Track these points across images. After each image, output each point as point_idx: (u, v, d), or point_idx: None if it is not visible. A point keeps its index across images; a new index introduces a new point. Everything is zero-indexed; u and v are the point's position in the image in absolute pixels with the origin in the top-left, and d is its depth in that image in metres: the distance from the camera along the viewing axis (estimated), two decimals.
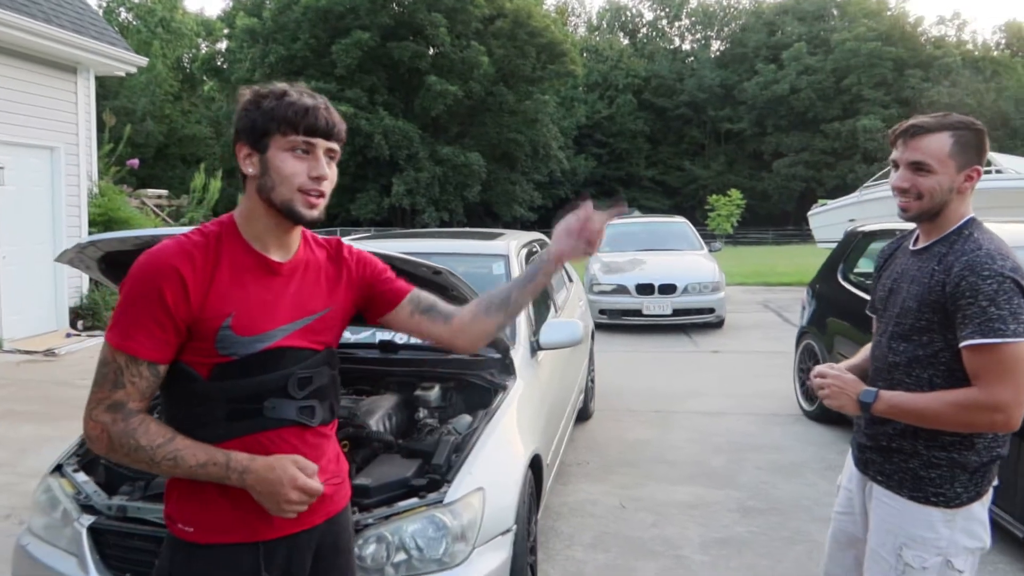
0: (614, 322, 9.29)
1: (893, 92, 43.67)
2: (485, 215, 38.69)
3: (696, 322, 9.30)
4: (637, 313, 9.16)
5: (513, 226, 36.01)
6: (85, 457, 2.57)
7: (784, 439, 4.98)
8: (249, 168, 1.42)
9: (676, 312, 9.11)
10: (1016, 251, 1.82)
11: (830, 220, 13.51)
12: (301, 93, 1.42)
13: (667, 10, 55.55)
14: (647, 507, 3.89)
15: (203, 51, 44.06)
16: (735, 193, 38.05)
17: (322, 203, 1.44)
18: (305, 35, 33.19)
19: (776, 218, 45.36)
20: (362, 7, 32.66)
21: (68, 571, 2.24)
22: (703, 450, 4.80)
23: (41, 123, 8.17)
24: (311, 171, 1.40)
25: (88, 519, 2.27)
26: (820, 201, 15.78)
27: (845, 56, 43.75)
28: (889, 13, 47.57)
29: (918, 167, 1.81)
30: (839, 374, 1.89)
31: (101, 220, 9.02)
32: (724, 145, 50.15)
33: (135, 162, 11.65)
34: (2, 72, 7.61)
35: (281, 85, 1.44)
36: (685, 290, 9.13)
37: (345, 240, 2.12)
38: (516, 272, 3.78)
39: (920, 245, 1.90)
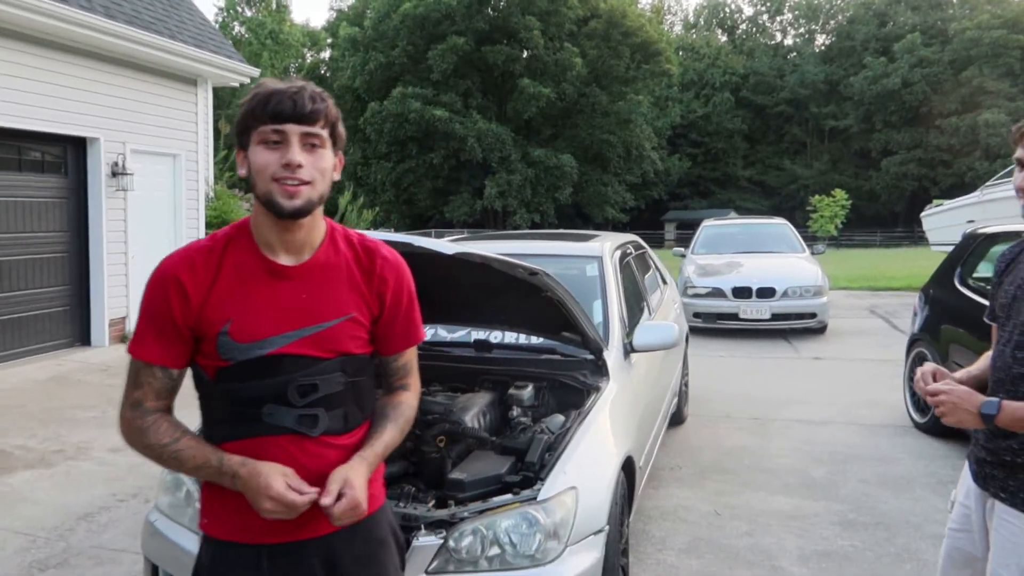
0: (709, 326, 9.09)
1: (1021, 83, 40.49)
2: (576, 216, 38.60)
3: (797, 327, 8.96)
4: (733, 317, 8.92)
5: (604, 227, 35.77)
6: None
7: (892, 451, 4.73)
8: (242, 170, 1.41)
9: (775, 316, 8.81)
10: None
11: (946, 221, 12.68)
12: (278, 82, 1.37)
13: (768, 4, 53.71)
14: (742, 515, 3.79)
15: (308, 60, 46.12)
16: (839, 193, 36.34)
17: (305, 191, 1.36)
18: (403, 42, 34.16)
19: (884, 220, 43.02)
20: (458, 13, 33.29)
21: (189, 547, 2.41)
22: (803, 459, 4.63)
23: (165, 132, 8.81)
24: (282, 158, 1.34)
25: None
26: (935, 201, 14.83)
27: (965, 46, 40.94)
28: None
29: None
30: (953, 388, 1.78)
31: (216, 222, 9.62)
32: (828, 143, 47.98)
33: None
34: (133, 86, 8.26)
35: (263, 79, 1.43)
36: (785, 294, 8.82)
37: (457, 248, 2.15)
38: (610, 273, 3.77)
39: None
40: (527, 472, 2.42)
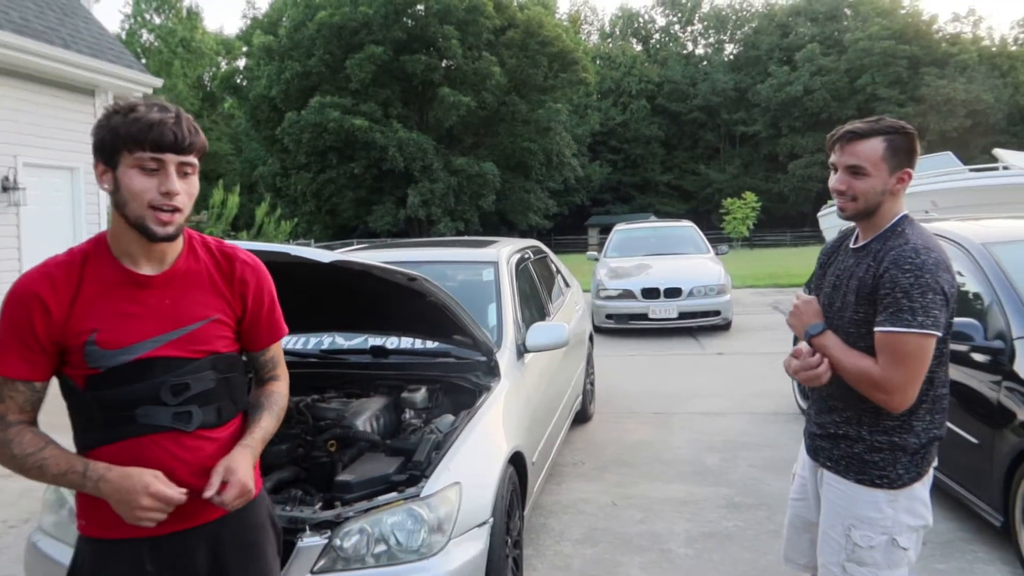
0: (621, 326, 9.39)
1: (908, 90, 43.28)
2: (500, 224, 38.88)
3: (703, 325, 9.36)
4: (643, 317, 9.25)
5: (529, 234, 36.15)
6: None
7: (780, 437, 5.05)
8: (105, 185, 1.45)
9: (682, 315, 9.18)
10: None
11: (836, 220, 13.49)
12: (151, 107, 1.42)
13: (679, 15, 55.56)
14: (638, 504, 3.99)
15: (222, 69, 44.86)
16: (750, 196, 37.95)
17: (178, 218, 1.44)
18: (320, 51, 33.66)
19: (793, 219, 45.06)
20: (375, 22, 33.08)
21: None
22: (699, 449, 4.88)
23: (62, 144, 8.46)
24: (160, 186, 1.41)
25: None
26: (829, 201, 15.78)
27: (859, 55, 43.46)
28: (903, 11, 47.17)
29: (854, 170, 1.92)
30: (810, 301, 2.03)
31: None
32: (739, 148, 49.97)
33: None
34: (25, 97, 7.91)
35: (133, 100, 1.46)
36: (691, 293, 9.20)
37: (335, 256, 2.23)
38: (505, 278, 3.91)
39: (859, 243, 2.01)
40: (414, 471, 2.52)
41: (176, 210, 1.43)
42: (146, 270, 1.50)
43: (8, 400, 1.44)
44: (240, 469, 1.49)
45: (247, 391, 1.68)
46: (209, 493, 1.44)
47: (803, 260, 21.63)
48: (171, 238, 1.46)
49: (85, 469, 1.42)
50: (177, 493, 1.42)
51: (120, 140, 1.41)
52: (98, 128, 1.44)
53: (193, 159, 1.46)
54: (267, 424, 1.63)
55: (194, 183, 1.49)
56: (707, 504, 3.96)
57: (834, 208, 2.08)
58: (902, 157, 1.91)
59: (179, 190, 1.43)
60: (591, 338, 5.92)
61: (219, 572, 1.56)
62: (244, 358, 1.69)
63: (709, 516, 3.81)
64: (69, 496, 2.53)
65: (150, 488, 1.39)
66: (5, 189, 7.64)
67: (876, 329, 1.82)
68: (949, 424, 3.32)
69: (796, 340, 6.10)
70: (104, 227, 9.04)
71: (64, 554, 2.46)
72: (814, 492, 2.13)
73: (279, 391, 1.71)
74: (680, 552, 3.42)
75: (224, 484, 1.46)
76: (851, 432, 1.96)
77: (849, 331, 1.93)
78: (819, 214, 15.07)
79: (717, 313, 9.28)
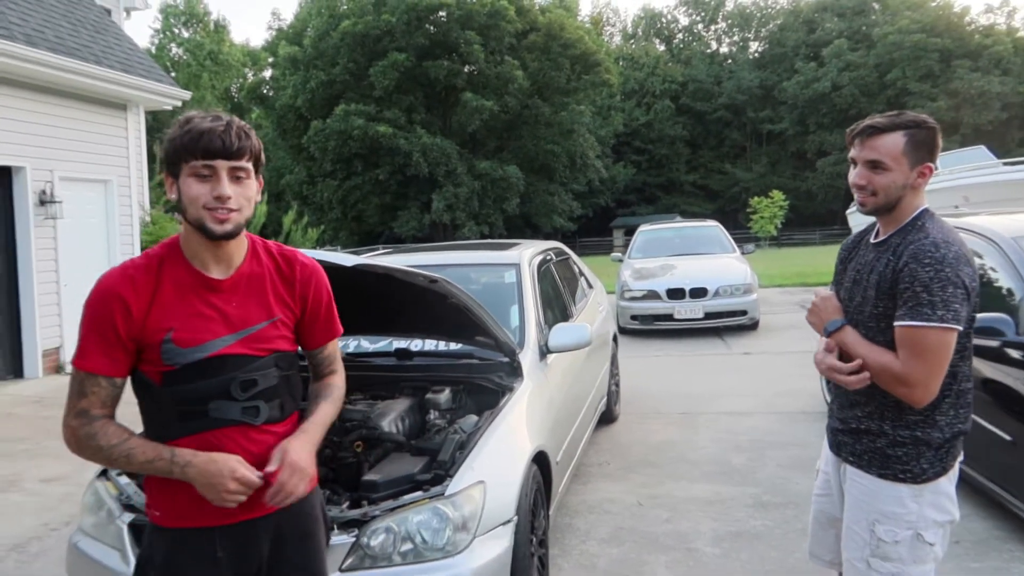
0: (646, 327, 9.36)
1: (940, 84, 42.46)
2: (525, 227, 38.92)
3: (729, 325, 9.29)
4: (669, 318, 9.21)
5: (553, 236, 36.10)
6: None
7: (808, 436, 5.00)
8: (172, 194, 1.56)
9: (708, 315, 9.13)
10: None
11: (865, 218, 13.27)
12: (204, 118, 1.52)
13: (703, 14, 55.21)
14: (664, 504, 3.99)
15: (249, 80, 45.59)
16: (777, 194, 37.50)
17: (234, 216, 1.53)
18: (344, 59, 34.04)
19: (823, 218, 44.46)
20: (397, 29, 33.36)
21: (112, 564, 2.48)
22: (725, 449, 4.86)
23: (95, 158, 8.70)
24: (213, 191, 1.50)
25: (128, 516, 2.51)
26: None
27: (888, 50, 42.76)
28: (933, 4, 46.30)
29: (874, 165, 1.92)
30: (829, 297, 2.05)
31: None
32: (766, 146, 49.46)
33: None
34: (59, 112, 8.15)
35: (189, 113, 1.55)
36: (716, 293, 9.14)
37: (358, 260, 2.30)
38: (527, 279, 3.94)
39: (880, 238, 2.01)
40: (439, 470, 2.56)
41: (231, 211, 1.52)
42: (215, 273, 1.60)
43: (91, 395, 1.54)
44: (293, 450, 1.58)
45: (303, 389, 1.78)
46: (272, 467, 1.55)
47: (832, 258, 21.19)
48: (230, 236, 1.54)
49: (172, 456, 1.52)
50: (257, 477, 1.53)
51: (177, 151, 1.51)
52: (164, 143, 1.54)
53: (245, 163, 1.54)
54: (326, 411, 1.73)
55: (250, 186, 1.57)
56: (734, 503, 3.95)
57: (857, 207, 2.07)
58: (923, 151, 1.90)
59: (230, 193, 1.51)
60: (615, 339, 5.92)
61: (279, 559, 1.66)
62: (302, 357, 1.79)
63: (736, 515, 3.79)
64: (107, 498, 2.62)
65: (236, 472, 1.50)
66: (43, 203, 7.87)
67: (896, 323, 1.82)
68: (982, 421, 3.30)
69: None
70: (137, 237, 9.26)
71: (103, 553, 2.55)
72: (838, 488, 2.12)
73: (336, 384, 1.82)
74: (707, 551, 3.41)
75: (277, 469, 1.55)
76: (873, 427, 1.95)
77: (869, 325, 1.93)
78: (848, 212, 14.84)
79: (744, 313, 9.21)
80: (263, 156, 1.62)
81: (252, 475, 1.53)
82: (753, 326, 9.45)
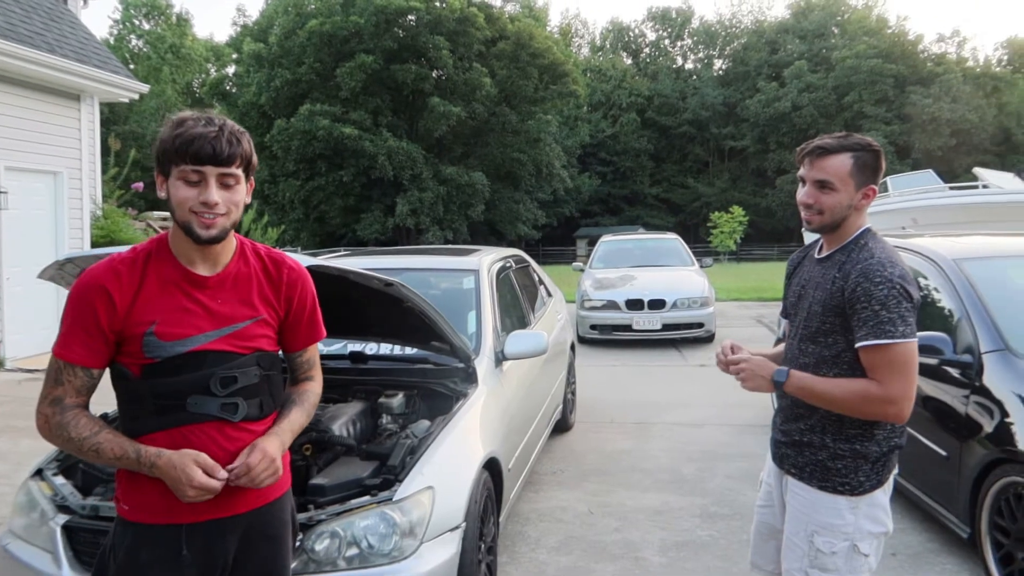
0: (605, 337, 9.43)
1: (895, 108, 43.84)
2: (489, 234, 38.94)
3: (686, 337, 9.41)
4: (627, 328, 9.30)
5: (517, 244, 36.22)
6: (65, 462, 2.74)
7: (756, 447, 5.09)
8: (162, 192, 1.57)
9: (666, 327, 9.24)
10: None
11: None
12: (198, 122, 1.52)
13: (669, 30, 56.05)
14: (614, 513, 4.01)
15: (212, 76, 44.78)
16: (737, 210, 38.22)
17: (220, 221, 1.54)
18: (310, 59, 33.69)
19: (781, 234, 45.40)
20: (366, 31, 33.17)
21: (43, 567, 2.40)
22: (676, 459, 4.92)
23: (45, 149, 8.44)
24: (200, 196, 1.52)
25: (63, 518, 2.43)
26: None
27: (846, 73, 43.98)
28: (889, 31, 47.85)
29: (822, 185, 1.97)
30: (750, 357, 2.02)
31: (103, 242, 9.26)
32: (728, 162, 50.37)
33: (139, 185, 11.94)
34: (7, 100, 7.89)
35: (183, 115, 1.55)
36: (674, 305, 9.26)
37: (315, 260, 2.28)
38: (485, 286, 3.94)
39: (824, 254, 2.06)
40: (388, 475, 2.53)
41: (218, 215, 1.54)
42: (201, 270, 1.61)
43: (67, 383, 1.55)
44: (268, 447, 1.59)
45: (283, 390, 1.78)
46: (238, 462, 1.55)
47: None
48: (215, 240, 1.56)
49: (138, 455, 1.52)
50: (217, 483, 1.52)
51: (168, 154, 1.52)
52: (156, 141, 1.55)
53: (234, 170, 1.55)
54: (297, 418, 1.73)
55: (238, 191, 1.57)
56: (682, 513, 3.99)
57: (804, 224, 2.12)
58: (868, 173, 1.96)
59: (217, 200, 1.52)
60: (573, 348, 5.95)
61: (244, 559, 1.66)
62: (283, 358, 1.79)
63: (684, 525, 3.84)
64: (41, 499, 2.53)
65: (193, 481, 1.50)
66: None
67: (861, 344, 1.85)
68: (919, 436, 3.40)
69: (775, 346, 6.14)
70: (87, 231, 9.01)
71: (30, 555, 2.47)
72: (779, 499, 2.16)
73: (312, 390, 1.82)
74: (654, 560, 3.44)
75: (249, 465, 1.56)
76: (815, 440, 2.00)
77: (818, 340, 1.97)
78: (804, 229, 15.23)
79: (700, 325, 9.34)
80: (255, 159, 1.62)
81: (212, 481, 1.52)
82: (709, 338, 9.58)
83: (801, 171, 2.04)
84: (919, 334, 1.92)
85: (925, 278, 3.83)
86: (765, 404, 5.97)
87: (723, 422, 5.82)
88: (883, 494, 1.99)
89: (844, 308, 1.91)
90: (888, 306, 1.83)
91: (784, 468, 2.11)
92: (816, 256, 2.10)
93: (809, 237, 16.04)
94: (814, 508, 1.98)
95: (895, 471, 2.03)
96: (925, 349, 3.26)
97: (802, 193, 2.03)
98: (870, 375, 1.86)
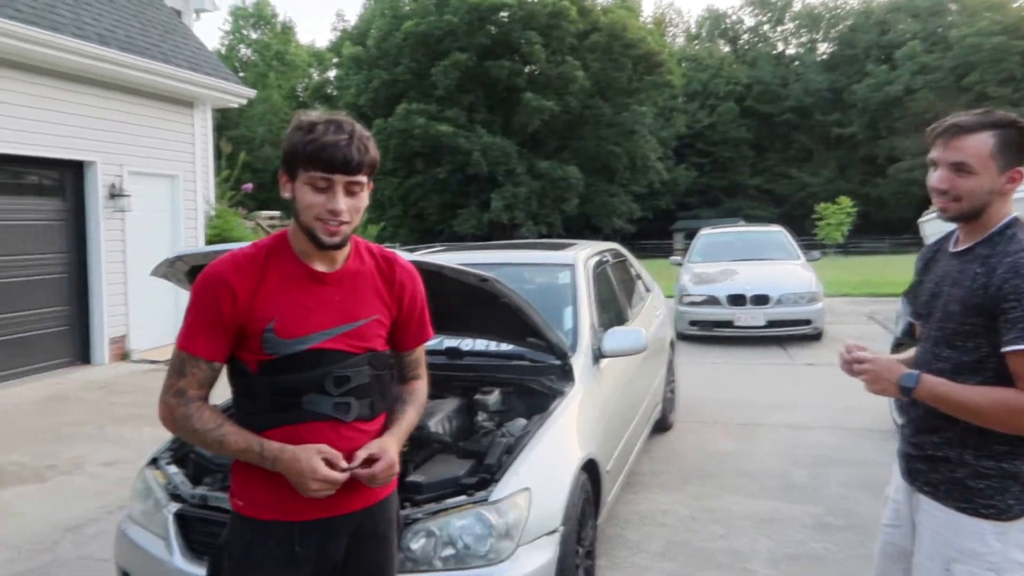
0: (706, 334, 9.10)
1: (1023, 88, 40.32)
2: (584, 228, 38.64)
3: (792, 334, 8.95)
4: (729, 324, 8.94)
5: (613, 238, 35.68)
6: (178, 451, 2.84)
7: (875, 454, 4.75)
8: (286, 193, 1.58)
9: (770, 323, 8.82)
10: None
11: (944, 227, 12.66)
12: (329, 127, 1.50)
13: (769, 15, 53.82)
14: (719, 519, 3.82)
15: (314, 80, 46.63)
16: (845, 201, 36.21)
17: (344, 229, 1.55)
18: (406, 59, 34.48)
19: (893, 225, 42.68)
20: (460, 29, 33.61)
21: (157, 552, 2.49)
22: (785, 463, 4.65)
23: (162, 154, 8.97)
24: (328, 204, 1.51)
25: (175, 506, 2.51)
26: (932, 207, 14.85)
27: (966, 52, 40.76)
28: (1016, 5, 43.99)
29: (959, 168, 1.74)
30: (875, 357, 1.82)
31: (216, 240, 9.76)
32: (834, 151, 47.80)
33: (249, 186, 12.51)
34: (129, 109, 8.43)
35: (314, 117, 1.53)
36: (779, 301, 8.83)
37: (412, 256, 2.27)
38: (582, 281, 3.83)
39: (961, 247, 1.84)
40: (484, 474, 2.48)
41: (342, 223, 1.54)
42: (321, 267, 1.62)
43: (190, 375, 1.57)
44: (392, 450, 1.61)
45: (391, 390, 1.78)
46: (362, 454, 1.56)
47: (902, 268, 20.44)
48: (337, 247, 1.57)
49: (261, 449, 1.54)
50: (341, 476, 1.54)
51: (297, 158, 1.52)
52: (284, 141, 1.55)
53: (361, 178, 1.54)
54: (411, 417, 1.74)
55: (362, 198, 1.58)
56: (793, 522, 3.75)
57: (935, 214, 1.90)
58: (1013, 154, 1.72)
59: (344, 208, 1.52)
60: (672, 345, 5.75)
61: (355, 558, 1.67)
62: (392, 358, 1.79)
63: (795, 536, 3.60)
64: (156, 487, 2.63)
65: (317, 474, 1.50)
66: (112, 196, 8.16)
67: (1010, 348, 1.63)
68: None
69: (894, 348, 5.72)
70: (201, 231, 9.52)
71: (149, 541, 2.56)
72: (909, 518, 1.95)
73: (421, 389, 1.83)
74: (763, 573, 3.24)
75: (375, 460, 1.57)
76: (953, 455, 1.77)
77: (956, 343, 1.75)
78: (920, 220, 14.15)
79: (808, 322, 8.86)
80: (378, 160, 1.61)
81: (335, 474, 1.53)
82: (817, 336, 9.08)
83: (933, 154, 1.81)
84: None
85: None
86: (881, 408, 5.57)
87: (835, 425, 5.47)
88: None
89: (989, 307, 1.68)
90: None
91: (915, 485, 1.89)
92: (952, 250, 1.87)
93: (929, 230, 14.95)
94: (953, 532, 1.76)
95: None
96: None
97: (934, 178, 1.80)
98: (1019, 384, 1.64)
